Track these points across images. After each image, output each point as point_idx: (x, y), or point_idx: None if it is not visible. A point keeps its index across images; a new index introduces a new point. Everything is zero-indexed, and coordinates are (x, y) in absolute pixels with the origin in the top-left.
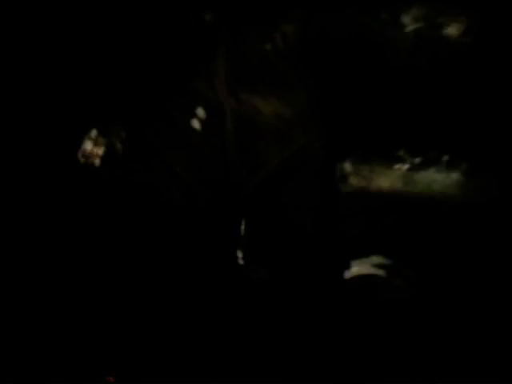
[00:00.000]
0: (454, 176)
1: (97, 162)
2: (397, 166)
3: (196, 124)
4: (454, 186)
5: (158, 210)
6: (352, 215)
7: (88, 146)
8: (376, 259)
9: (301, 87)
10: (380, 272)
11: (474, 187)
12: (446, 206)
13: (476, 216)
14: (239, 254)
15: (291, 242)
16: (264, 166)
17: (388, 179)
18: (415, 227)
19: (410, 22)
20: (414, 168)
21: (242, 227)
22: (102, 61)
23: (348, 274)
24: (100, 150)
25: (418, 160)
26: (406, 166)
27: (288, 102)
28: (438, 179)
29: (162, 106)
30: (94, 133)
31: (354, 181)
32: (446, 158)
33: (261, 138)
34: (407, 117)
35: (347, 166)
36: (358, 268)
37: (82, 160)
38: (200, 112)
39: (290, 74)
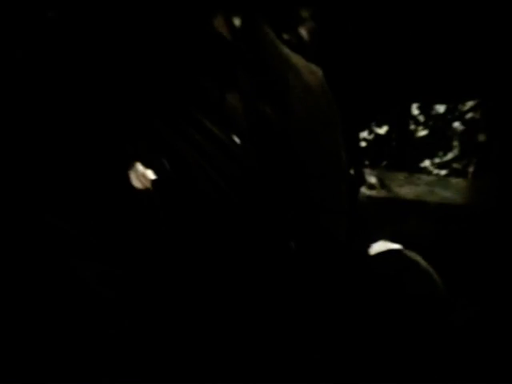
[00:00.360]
0: (479, 186)
1: (148, 184)
2: (422, 177)
3: (234, 137)
4: (478, 197)
5: (203, 224)
6: (376, 223)
7: (139, 168)
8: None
9: (321, 91)
10: (397, 246)
11: (500, 198)
12: (471, 215)
13: (501, 226)
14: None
15: (314, 243)
16: (295, 170)
17: (413, 190)
18: (438, 234)
19: None
20: (439, 179)
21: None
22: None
23: (369, 252)
24: (151, 173)
25: (444, 172)
26: (431, 178)
27: (309, 107)
28: (463, 189)
29: (199, 120)
30: (142, 153)
31: (379, 191)
32: (471, 169)
33: (290, 144)
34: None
35: (372, 178)
36: (377, 246)
37: (135, 184)
38: (236, 124)
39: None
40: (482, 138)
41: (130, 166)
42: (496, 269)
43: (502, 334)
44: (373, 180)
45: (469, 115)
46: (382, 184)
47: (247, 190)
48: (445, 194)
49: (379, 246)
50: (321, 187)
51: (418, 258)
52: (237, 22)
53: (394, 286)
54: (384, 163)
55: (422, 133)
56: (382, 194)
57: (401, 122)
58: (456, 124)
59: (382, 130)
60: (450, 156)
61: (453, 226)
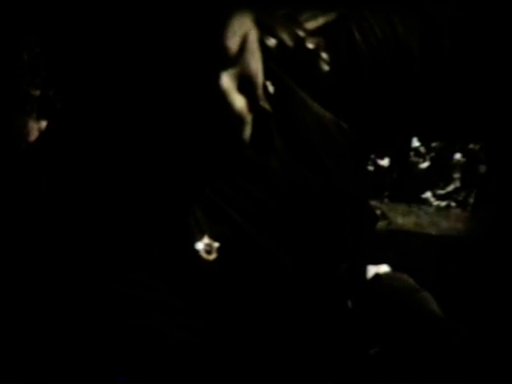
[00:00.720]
0: (479, 218)
1: (215, 254)
2: (423, 208)
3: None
4: (479, 228)
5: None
6: (377, 254)
7: (206, 240)
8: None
9: (349, 148)
10: (386, 268)
11: (500, 229)
12: (471, 246)
13: (501, 257)
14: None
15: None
16: (338, 224)
17: (414, 220)
18: (439, 265)
19: None
20: (440, 210)
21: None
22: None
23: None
24: (216, 243)
25: (444, 203)
26: (432, 209)
27: (338, 164)
28: (463, 220)
29: (246, 188)
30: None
31: (380, 222)
32: (471, 199)
33: (327, 200)
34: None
35: (374, 209)
36: (374, 269)
37: (204, 255)
38: (277, 187)
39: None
40: (482, 169)
41: (196, 238)
42: (495, 299)
43: (499, 361)
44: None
45: (469, 146)
46: (384, 215)
47: (297, 250)
48: (446, 225)
49: (369, 269)
50: (359, 236)
51: (411, 280)
52: (270, 87)
53: (391, 307)
54: (385, 194)
55: (423, 164)
56: (383, 224)
57: (402, 153)
58: (457, 156)
59: (384, 162)
60: (450, 187)
61: (453, 257)
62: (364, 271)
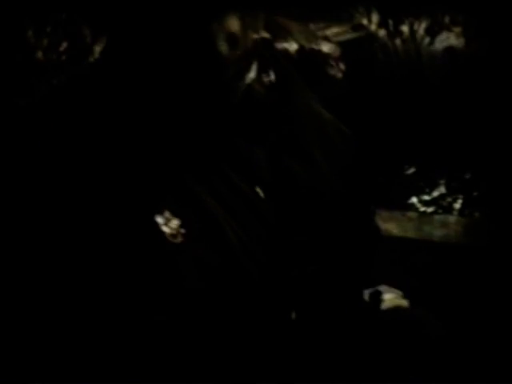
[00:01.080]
0: (465, 223)
1: (179, 238)
2: (409, 214)
3: (259, 191)
4: (464, 233)
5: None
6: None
7: (167, 214)
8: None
9: (347, 151)
10: (404, 301)
11: (485, 234)
12: (456, 251)
13: (485, 262)
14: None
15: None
16: (320, 224)
17: (400, 226)
18: (424, 270)
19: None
20: (426, 215)
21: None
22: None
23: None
24: (176, 220)
25: (430, 209)
26: (417, 214)
27: (334, 165)
28: (448, 226)
29: (229, 176)
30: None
31: None
32: (458, 205)
33: (315, 199)
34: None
35: None
36: (389, 297)
37: (169, 237)
38: (261, 178)
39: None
40: (467, 175)
41: (158, 212)
42: (481, 304)
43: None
44: None
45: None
46: None
47: (269, 245)
48: (431, 231)
49: (388, 298)
50: (347, 245)
51: (429, 318)
52: (271, 76)
53: (401, 341)
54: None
55: (409, 170)
56: None
57: (387, 159)
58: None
59: None
60: (436, 193)
61: (439, 262)
62: (359, 283)
